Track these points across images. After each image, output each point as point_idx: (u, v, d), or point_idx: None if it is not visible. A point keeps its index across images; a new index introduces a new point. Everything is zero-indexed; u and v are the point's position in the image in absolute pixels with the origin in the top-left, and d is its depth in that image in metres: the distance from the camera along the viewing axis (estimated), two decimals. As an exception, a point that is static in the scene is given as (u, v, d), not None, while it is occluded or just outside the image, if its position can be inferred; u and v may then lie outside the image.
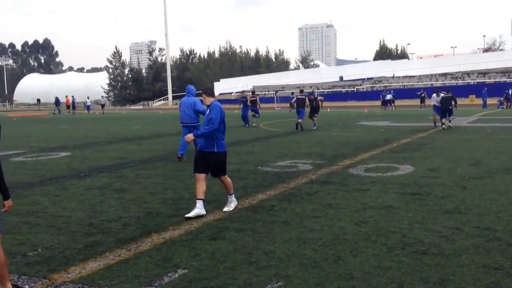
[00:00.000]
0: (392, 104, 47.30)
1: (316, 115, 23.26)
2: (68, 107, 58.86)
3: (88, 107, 58.96)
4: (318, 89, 71.29)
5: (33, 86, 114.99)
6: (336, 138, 17.53)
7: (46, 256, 5.09)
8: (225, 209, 6.96)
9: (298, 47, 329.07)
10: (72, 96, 60.19)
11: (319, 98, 25.18)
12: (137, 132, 23.25)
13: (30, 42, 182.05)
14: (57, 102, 58.15)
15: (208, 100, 7.06)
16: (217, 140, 6.88)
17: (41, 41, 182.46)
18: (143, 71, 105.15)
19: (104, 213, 6.89)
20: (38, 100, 71.59)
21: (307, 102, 22.84)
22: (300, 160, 11.68)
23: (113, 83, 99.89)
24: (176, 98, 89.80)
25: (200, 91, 7.41)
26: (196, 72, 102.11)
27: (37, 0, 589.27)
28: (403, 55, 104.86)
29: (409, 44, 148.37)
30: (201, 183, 6.80)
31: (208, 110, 6.97)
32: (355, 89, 71.77)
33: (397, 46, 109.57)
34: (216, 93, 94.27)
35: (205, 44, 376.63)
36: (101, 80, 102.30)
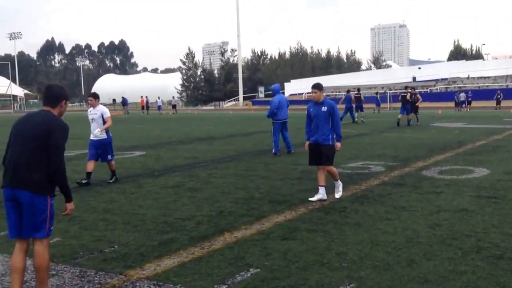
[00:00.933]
0: (467, 105, 45.50)
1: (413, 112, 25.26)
2: (142, 107, 60.38)
3: (159, 107, 60.61)
4: (390, 89, 69.74)
5: (109, 87, 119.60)
6: (409, 139, 17.11)
7: (122, 252, 5.31)
8: (337, 195, 7.78)
9: (370, 48, 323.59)
10: (146, 97, 61.83)
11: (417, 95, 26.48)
12: (209, 132, 23.71)
13: (106, 43, 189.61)
14: (124, 102, 59.87)
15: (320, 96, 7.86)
16: (331, 134, 7.65)
17: (116, 43, 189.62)
18: (215, 72, 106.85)
19: (177, 211, 7.12)
20: (114, 100, 74.28)
21: (409, 98, 24.79)
22: (372, 162, 11.53)
23: (186, 83, 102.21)
24: (246, 99, 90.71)
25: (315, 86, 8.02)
26: (267, 73, 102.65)
27: (113, 3, 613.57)
28: (477, 56, 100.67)
29: (484, 44, 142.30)
30: (321, 172, 7.62)
31: (328, 107, 7.73)
32: (428, 90, 69.64)
33: (471, 46, 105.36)
34: (286, 94, 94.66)
35: (276, 45, 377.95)
36: (175, 81, 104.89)
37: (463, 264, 4.61)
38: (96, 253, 5.33)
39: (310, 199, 7.57)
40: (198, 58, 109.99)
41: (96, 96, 10.27)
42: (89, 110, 10.39)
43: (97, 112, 10.01)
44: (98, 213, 7.18)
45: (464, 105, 45.14)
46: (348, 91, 30.22)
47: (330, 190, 7.94)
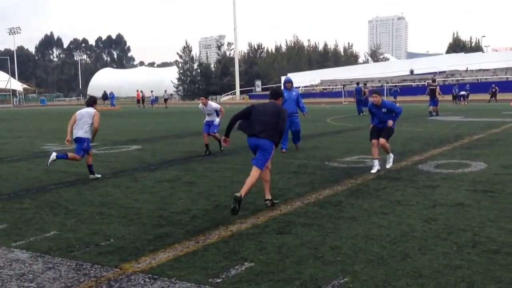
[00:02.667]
0: (466, 99, 45.55)
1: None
2: (138, 101, 60.22)
3: (152, 101, 60.52)
4: (388, 83, 69.76)
5: (106, 81, 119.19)
6: (406, 133, 17.11)
7: (118, 246, 5.31)
8: (388, 165, 9.81)
9: (368, 40, 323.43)
10: (141, 91, 61.87)
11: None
12: (205, 126, 23.66)
13: (104, 37, 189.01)
14: (106, 96, 60.33)
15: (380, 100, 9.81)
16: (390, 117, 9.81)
17: (114, 37, 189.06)
18: (212, 65, 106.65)
19: (173, 205, 7.11)
20: (105, 93, 72.92)
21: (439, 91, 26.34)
22: (368, 156, 11.49)
23: (182, 77, 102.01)
24: (243, 93, 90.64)
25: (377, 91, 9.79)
26: (263, 66, 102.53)
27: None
28: (477, 48, 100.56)
29: (484, 36, 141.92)
30: (375, 148, 9.70)
31: (386, 108, 9.82)
32: (425, 82, 69.73)
33: (471, 39, 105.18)
34: (282, 87, 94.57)
35: (273, 38, 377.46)
36: (171, 75, 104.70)
37: (458, 259, 4.61)
38: (92, 246, 5.32)
39: (386, 165, 9.80)
40: (195, 51, 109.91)
41: (207, 96, 14.06)
42: (201, 107, 13.59)
43: (210, 108, 13.37)
44: (94, 206, 7.17)
45: (462, 99, 45.18)
46: (358, 83, 31.88)
47: (327, 184, 7.92)
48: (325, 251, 4.93)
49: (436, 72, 73.80)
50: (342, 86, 68.09)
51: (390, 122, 9.77)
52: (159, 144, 15.55)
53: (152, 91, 63.53)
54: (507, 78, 62.78)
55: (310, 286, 4.09)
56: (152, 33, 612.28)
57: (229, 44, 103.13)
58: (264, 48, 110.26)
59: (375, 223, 5.90)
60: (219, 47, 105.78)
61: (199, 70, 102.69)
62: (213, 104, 13.49)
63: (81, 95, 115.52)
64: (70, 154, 9.49)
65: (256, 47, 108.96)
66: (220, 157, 12.15)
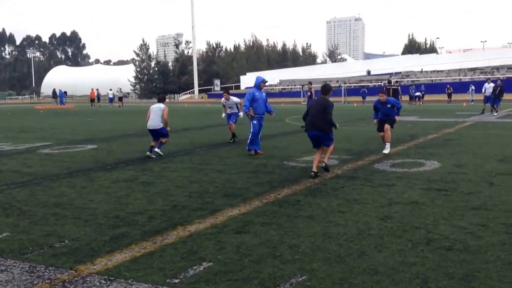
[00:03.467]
0: (421, 99, 46.73)
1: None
2: (92, 100, 58.80)
3: (110, 100, 59.52)
4: (345, 83, 70.76)
5: (60, 79, 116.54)
6: (363, 133, 17.41)
7: (73, 247, 5.19)
8: (385, 151, 11.68)
9: (326, 41, 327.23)
10: (97, 89, 60.78)
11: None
12: (164, 125, 23.45)
13: (58, 34, 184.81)
14: (55, 94, 59.64)
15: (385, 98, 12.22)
16: (393, 111, 12.22)
17: (68, 34, 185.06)
18: (170, 64, 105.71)
19: (130, 205, 7.00)
20: (54, 91, 70.26)
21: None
22: (325, 155, 11.64)
23: (139, 76, 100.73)
24: (202, 92, 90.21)
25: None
26: (222, 66, 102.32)
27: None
28: (432, 50, 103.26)
29: (438, 38, 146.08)
30: (387, 132, 11.91)
31: (391, 104, 12.19)
32: (382, 83, 71.11)
33: (426, 40, 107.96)
34: (242, 86, 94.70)
35: (232, 37, 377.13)
36: (128, 73, 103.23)
37: (413, 256, 4.71)
38: (46, 248, 5.18)
39: (384, 151, 11.66)
40: (152, 50, 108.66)
41: (228, 92, 15.87)
42: (224, 101, 15.60)
43: (232, 102, 15.31)
44: (48, 207, 6.99)
45: (417, 99, 46.29)
46: (310, 83, 33.19)
47: (286, 183, 7.96)
48: (284, 249, 4.95)
49: (392, 73, 75.35)
50: (301, 86, 68.65)
51: (397, 118, 12.37)
52: (115, 144, 15.29)
53: (111, 89, 62.45)
54: (460, 79, 64.68)
55: (268, 285, 4.10)
56: (109, 31, 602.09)
57: (187, 42, 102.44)
58: (222, 47, 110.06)
59: (333, 221, 5.96)
60: (177, 46, 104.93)
61: (156, 69, 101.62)
62: (234, 99, 15.46)
63: (34, 94, 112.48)
64: (163, 140, 12.06)
65: (214, 46, 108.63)
66: (178, 156, 12.04)
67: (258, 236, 5.43)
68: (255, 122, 12.21)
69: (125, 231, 5.73)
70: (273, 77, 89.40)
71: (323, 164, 9.26)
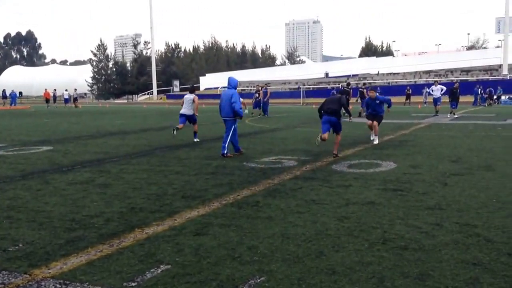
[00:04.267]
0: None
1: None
2: (47, 100, 56.93)
3: (66, 100, 58.24)
4: (304, 85, 71.41)
5: (15, 79, 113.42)
6: (321, 134, 17.58)
7: (27, 251, 5.05)
8: (375, 142, 14.28)
9: (285, 43, 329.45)
10: (55, 90, 59.45)
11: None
12: (121, 126, 23.13)
13: (13, 34, 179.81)
14: (4, 95, 58.84)
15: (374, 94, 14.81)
16: (381, 108, 14.71)
17: (24, 33, 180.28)
18: (128, 64, 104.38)
19: (86, 208, 6.86)
20: (4, 92, 67.17)
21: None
22: (285, 156, 11.73)
23: (97, 76, 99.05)
24: (161, 93, 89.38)
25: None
26: (181, 66, 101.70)
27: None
28: (388, 52, 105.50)
29: (394, 41, 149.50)
30: (376, 128, 14.40)
31: (380, 100, 14.66)
32: (340, 85, 72.10)
33: (382, 43, 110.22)
34: (202, 87, 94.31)
35: (191, 38, 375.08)
36: (85, 74, 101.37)
37: (369, 255, 4.78)
38: (-2, 252, 5.02)
39: (374, 142, 14.26)
40: (110, 50, 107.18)
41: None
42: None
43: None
44: (2, 210, 6.77)
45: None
46: (268, 84, 33.93)
47: (245, 184, 7.96)
48: (242, 251, 4.95)
49: (350, 75, 76.52)
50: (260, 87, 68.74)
51: (389, 109, 15.79)
52: (71, 145, 14.97)
53: (66, 90, 61.06)
54: (415, 81, 66.27)
55: (227, 286, 4.09)
56: (65, 30, 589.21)
57: (145, 43, 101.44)
58: (181, 48, 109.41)
59: (291, 222, 6.00)
60: (135, 46, 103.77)
61: (114, 69, 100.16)
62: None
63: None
64: (195, 128, 15.60)
65: (173, 46, 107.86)
66: (136, 158, 11.89)
67: (217, 237, 5.41)
68: (236, 124, 12.12)
69: (81, 234, 5.61)
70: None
71: (334, 154, 11.65)
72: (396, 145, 13.91)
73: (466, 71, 69.58)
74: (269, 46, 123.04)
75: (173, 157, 11.98)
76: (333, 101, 12.07)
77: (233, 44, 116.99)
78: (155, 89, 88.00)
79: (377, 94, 14.91)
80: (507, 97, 50.50)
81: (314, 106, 44.71)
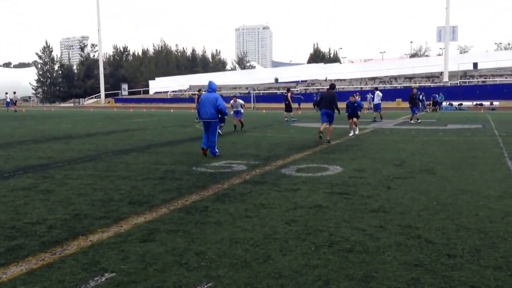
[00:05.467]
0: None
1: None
2: None
3: (7, 104, 56.35)
4: (254, 90, 71.72)
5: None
6: (271, 139, 17.73)
7: (-36, 261, 4.83)
8: (356, 132, 19.12)
9: (235, 48, 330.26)
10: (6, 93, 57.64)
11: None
12: (67, 130, 22.54)
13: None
14: None
15: (354, 99, 19.82)
16: (358, 112, 19.54)
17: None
18: (74, 67, 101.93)
19: (28, 215, 6.63)
20: None
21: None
22: (235, 161, 11.73)
23: (42, 79, 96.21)
24: (109, 96, 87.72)
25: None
26: (130, 70, 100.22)
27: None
28: (335, 59, 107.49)
29: (341, 48, 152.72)
30: (351, 124, 19.09)
31: (358, 104, 19.54)
32: (284, 91, 72.77)
33: (330, 50, 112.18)
34: (151, 91, 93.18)
35: (140, 41, 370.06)
36: (30, 76, 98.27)
37: (316, 258, 4.84)
38: None
39: (355, 133, 19.19)
40: (56, 52, 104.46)
41: (236, 96, 23.35)
42: (232, 103, 22.27)
43: (238, 104, 22.28)
44: None
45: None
46: (199, 90, 34.63)
47: (194, 189, 7.90)
48: (190, 257, 4.91)
49: (299, 81, 77.49)
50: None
51: (359, 113, 19.95)
52: (13, 150, 14.45)
53: (6, 93, 59.03)
54: (361, 87, 67.72)
55: (173, 293, 4.05)
56: (9, 32, 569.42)
57: (93, 45, 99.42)
58: (130, 51, 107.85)
59: (240, 226, 6.00)
60: (82, 49, 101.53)
61: (60, 72, 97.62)
62: (240, 101, 22.60)
63: None
64: (242, 119, 21.41)
65: (122, 49, 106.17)
66: (82, 163, 11.60)
67: (164, 244, 5.34)
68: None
69: (22, 242, 5.42)
70: (183, 82, 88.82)
71: (327, 140, 15.84)
72: (342, 149, 14.17)
73: (409, 78, 71.74)
74: (220, 51, 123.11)
75: (121, 162, 11.77)
76: (329, 98, 16.14)
77: (183, 48, 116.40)
78: (102, 93, 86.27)
79: (356, 99, 20.00)
80: (447, 103, 52.38)
81: (264, 111, 44.97)
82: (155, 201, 7.43)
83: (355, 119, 19.15)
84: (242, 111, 22.52)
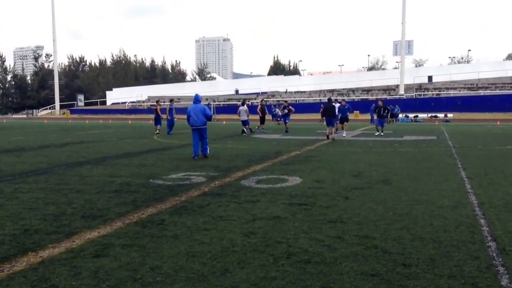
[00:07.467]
0: (282, 119, 48.66)
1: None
2: None
3: None
4: (214, 101, 71.59)
5: None
6: (231, 150, 17.66)
7: None
8: (344, 134, 25.12)
9: (195, 59, 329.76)
10: None
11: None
12: (18, 143, 21.87)
13: None
14: None
15: (343, 102, 27.28)
16: (348, 112, 26.28)
17: None
18: (28, 78, 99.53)
19: (-25, 231, 6.34)
20: None
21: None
22: (194, 173, 11.60)
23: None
24: (64, 107, 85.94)
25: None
26: (86, 80, 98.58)
27: None
28: (295, 71, 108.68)
29: (301, 61, 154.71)
30: (346, 126, 26.25)
31: (349, 108, 27.00)
32: (250, 102, 72.95)
33: (289, 63, 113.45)
34: (109, 102, 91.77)
35: (96, 52, 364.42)
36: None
37: (274, 270, 4.79)
38: None
39: (343, 135, 25.05)
40: (9, 62, 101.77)
41: (244, 102, 30.12)
42: (241, 108, 28.39)
43: (245, 110, 27.96)
44: None
45: (280, 119, 48.07)
46: (171, 100, 34.71)
47: (151, 202, 7.75)
48: (145, 272, 4.77)
49: (259, 93, 77.85)
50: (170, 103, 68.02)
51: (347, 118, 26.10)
52: (-38, 163, 13.89)
53: None
54: (320, 99, 68.55)
55: (127, 310, 3.91)
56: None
57: (47, 55, 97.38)
58: (86, 61, 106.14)
59: (198, 240, 5.90)
60: (36, 59, 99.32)
61: (13, 82, 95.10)
62: (245, 107, 28.39)
63: None
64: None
65: (78, 60, 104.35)
66: (33, 176, 11.23)
67: (118, 259, 5.18)
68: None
69: (-33, 260, 5.17)
70: (142, 93, 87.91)
71: (332, 138, 22.13)
72: (302, 160, 14.22)
73: (367, 90, 73.15)
74: (179, 62, 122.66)
75: (74, 174, 11.45)
76: (332, 108, 22.81)
77: (142, 59, 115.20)
78: (57, 104, 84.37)
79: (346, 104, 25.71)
80: (404, 115, 53.57)
81: (224, 123, 44.89)
82: (109, 215, 7.24)
83: (345, 123, 25.53)
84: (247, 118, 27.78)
